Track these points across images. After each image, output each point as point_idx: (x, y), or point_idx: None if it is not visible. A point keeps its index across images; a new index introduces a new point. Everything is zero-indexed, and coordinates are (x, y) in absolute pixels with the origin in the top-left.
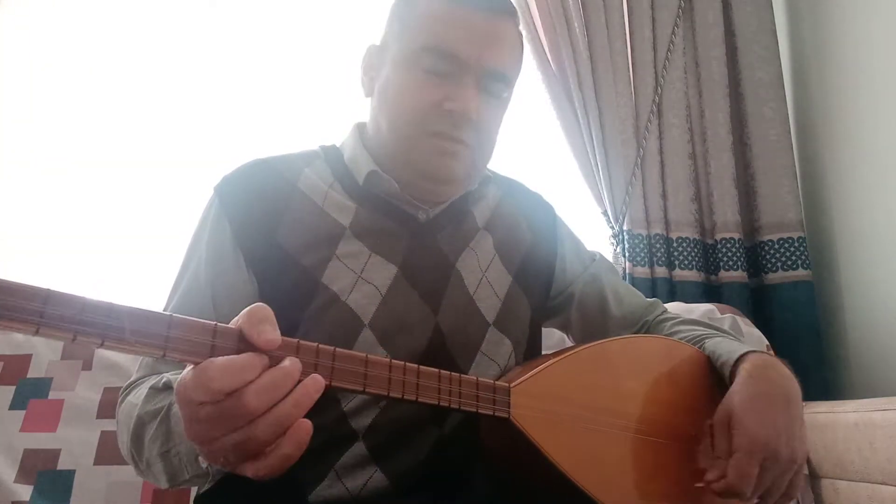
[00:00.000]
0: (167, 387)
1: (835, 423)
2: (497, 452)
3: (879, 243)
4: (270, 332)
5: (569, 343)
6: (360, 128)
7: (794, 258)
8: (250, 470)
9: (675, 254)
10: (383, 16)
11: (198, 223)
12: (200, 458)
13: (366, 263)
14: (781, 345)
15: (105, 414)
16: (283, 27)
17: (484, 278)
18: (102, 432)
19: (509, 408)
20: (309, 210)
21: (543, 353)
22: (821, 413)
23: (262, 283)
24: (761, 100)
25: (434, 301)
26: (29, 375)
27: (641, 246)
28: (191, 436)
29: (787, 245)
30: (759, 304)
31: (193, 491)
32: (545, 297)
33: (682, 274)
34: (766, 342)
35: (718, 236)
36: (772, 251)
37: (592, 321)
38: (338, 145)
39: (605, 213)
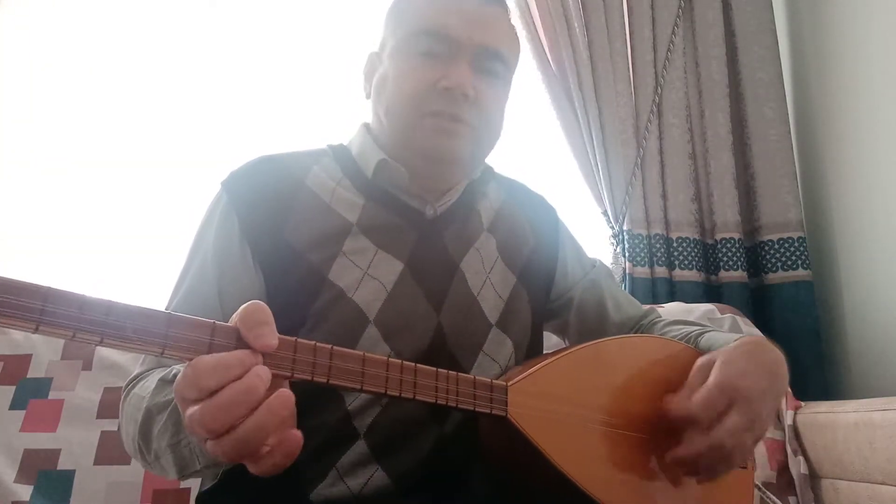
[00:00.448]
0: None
1: (835, 423)
2: (496, 451)
3: (879, 243)
4: (268, 336)
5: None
6: (367, 126)
7: (794, 258)
8: (249, 467)
9: (675, 254)
10: (381, 21)
11: (203, 219)
12: None
13: (372, 260)
14: (781, 345)
15: (105, 414)
16: (284, 27)
17: (487, 279)
18: (102, 432)
19: (507, 406)
20: (316, 207)
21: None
22: (821, 413)
23: (268, 279)
24: (761, 100)
25: (437, 300)
26: (29, 375)
27: (641, 246)
28: (188, 432)
29: (787, 245)
30: (759, 304)
31: (194, 491)
32: (545, 299)
33: (682, 274)
34: None
35: (718, 236)
36: (772, 251)
37: (590, 326)
38: (345, 144)
39: (605, 213)
